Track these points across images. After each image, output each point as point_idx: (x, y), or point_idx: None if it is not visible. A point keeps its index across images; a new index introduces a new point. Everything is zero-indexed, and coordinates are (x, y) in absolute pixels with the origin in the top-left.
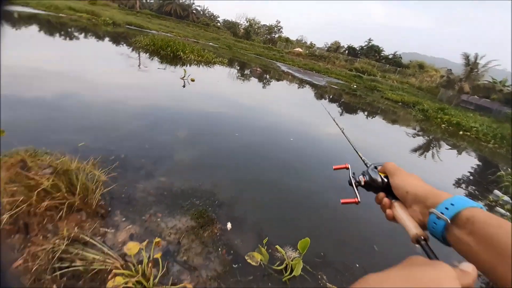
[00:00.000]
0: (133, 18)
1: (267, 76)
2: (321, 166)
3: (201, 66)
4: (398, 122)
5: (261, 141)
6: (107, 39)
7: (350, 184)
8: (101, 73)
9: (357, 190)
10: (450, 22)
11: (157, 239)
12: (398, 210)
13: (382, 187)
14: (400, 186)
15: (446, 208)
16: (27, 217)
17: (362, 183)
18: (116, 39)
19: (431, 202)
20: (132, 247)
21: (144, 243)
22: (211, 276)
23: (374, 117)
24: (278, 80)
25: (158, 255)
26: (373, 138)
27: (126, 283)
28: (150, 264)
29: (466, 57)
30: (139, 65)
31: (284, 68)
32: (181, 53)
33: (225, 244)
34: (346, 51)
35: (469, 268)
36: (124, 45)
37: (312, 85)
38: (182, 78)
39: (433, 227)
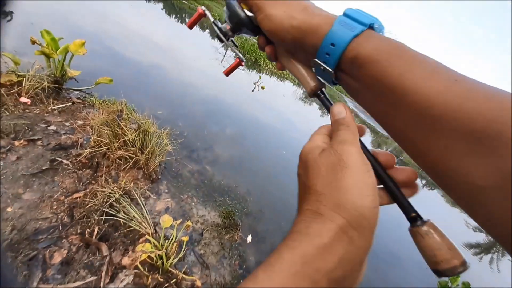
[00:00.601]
0: None
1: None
2: None
3: (274, 78)
4: None
5: None
6: (207, 31)
7: (221, 40)
8: (191, 57)
9: (233, 44)
10: None
11: (188, 222)
12: (286, 59)
13: (254, 27)
14: (268, 26)
15: (327, 54)
16: (101, 158)
17: (229, 31)
18: (214, 33)
19: (312, 43)
20: (166, 220)
21: (178, 221)
22: (219, 281)
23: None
24: None
25: (185, 238)
26: None
27: (151, 252)
28: (175, 244)
29: None
30: (222, 60)
31: (350, 104)
32: (262, 61)
33: (240, 255)
34: None
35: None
36: (216, 39)
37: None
38: (255, 83)
39: (323, 77)
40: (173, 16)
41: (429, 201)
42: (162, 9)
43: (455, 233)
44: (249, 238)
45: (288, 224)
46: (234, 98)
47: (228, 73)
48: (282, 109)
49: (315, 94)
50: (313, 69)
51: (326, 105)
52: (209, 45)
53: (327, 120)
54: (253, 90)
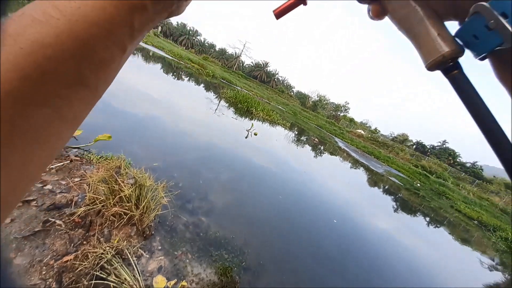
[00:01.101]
0: (228, 75)
1: (322, 148)
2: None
3: (266, 123)
4: (470, 244)
5: (302, 212)
6: (202, 85)
7: None
8: (187, 108)
9: None
10: None
11: (183, 283)
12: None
13: None
14: None
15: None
16: (95, 216)
17: None
18: (209, 87)
19: None
20: (160, 282)
21: (172, 282)
22: None
23: (438, 227)
24: (332, 154)
25: None
26: (434, 252)
27: None
28: None
29: None
30: (215, 110)
31: (341, 144)
32: (254, 109)
33: None
34: (414, 146)
35: None
36: (212, 92)
37: (368, 169)
38: (248, 130)
39: (472, 44)
40: (170, 73)
41: (437, 239)
42: (160, 68)
43: (471, 272)
44: None
45: (289, 278)
46: (228, 145)
47: (280, 13)
48: (277, 153)
49: (444, 65)
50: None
51: (461, 87)
52: (203, 96)
53: (325, 163)
54: (246, 137)
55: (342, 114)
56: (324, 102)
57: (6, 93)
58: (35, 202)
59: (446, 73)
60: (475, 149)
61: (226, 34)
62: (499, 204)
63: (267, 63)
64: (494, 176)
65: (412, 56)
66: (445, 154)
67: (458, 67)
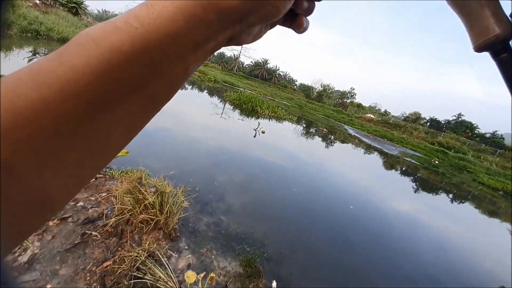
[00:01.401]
0: (229, 77)
1: (332, 137)
2: (380, 243)
3: (273, 120)
4: (499, 216)
5: (317, 201)
6: (205, 91)
7: None
8: (194, 115)
9: None
10: None
11: (212, 274)
12: None
13: None
14: None
15: None
16: (125, 225)
17: None
18: (212, 92)
19: None
20: (190, 276)
21: (202, 274)
22: None
23: (463, 202)
24: (343, 142)
25: None
26: (462, 230)
27: None
28: None
29: None
30: (221, 113)
31: (351, 131)
32: (259, 108)
33: None
34: (428, 123)
35: None
36: (216, 97)
37: (382, 153)
38: (255, 129)
39: None
40: None
41: (463, 214)
42: None
43: (503, 245)
44: (274, 284)
45: (310, 263)
46: (238, 146)
47: None
48: (287, 148)
49: (495, 47)
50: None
51: (510, 71)
52: (208, 102)
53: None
54: (254, 136)
55: (349, 101)
56: (329, 91)
57: (81, 95)
58: (71, 218)
59: (495, 55)
60: (493, 118)
61: None
62: None
63: (267, 61)
64: None
65: (409, 34)
66: (462, 127)
67: (509, 49)
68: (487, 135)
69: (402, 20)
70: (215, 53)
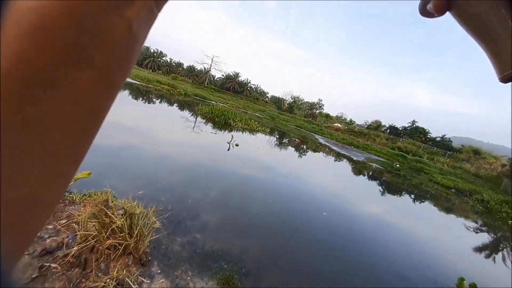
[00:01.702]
0: (200, 91)
1: (304, 147)
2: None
3: (246, 133)
4: (454, 212)
5: (293, 211)
6: (176, 105)
7: None
8: (163, 130)
9: None
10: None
11: None
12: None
13: None
14: None
15: None
16: (89, 253)
17: None
18: (183, 106)
19: None
20: None
21: None
22: None
23: (423, 201)
24: (315, 151)
25: None
26: (427, 227)
27: None
28: None
29: None
30: (193, 127)
31: (321, 140)
32: (232, 121)
33: None
34: (388, 130)
35: None
36: (187, 110)
37: (350, 160)
38: (229, 143)
39: None
40: (140, 98)
41: (425, 212)
42: (128, 95)
43: (461, 238)
44: None
45: (289, 272)
46: (211, 160)
47: None
48: (261, 159)
49: None
50: None
51: None
52: (178, 116)
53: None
54: (228, 149)
55: (317, 111)
56: (299, 103)
57: (9, 78)
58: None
59: None
60: (441, 123)
61: (192, 51)
62: (471, 170)
63: (238, 74)
64: (462, 145)
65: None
66: (417, 132)
67: None
68: (438, 139)
69: (360, 38)
70: (185, 66)
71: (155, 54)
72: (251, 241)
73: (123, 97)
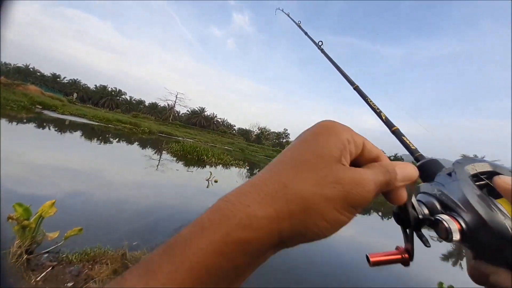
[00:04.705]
0: (165, 127)
1: None
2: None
3: (220, 167)
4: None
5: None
6: (144, 144)
7: (403, 222)
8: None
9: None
10: (441, 128)
11: None
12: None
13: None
14: None
15: None
16: None
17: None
18: (148, 144)
19: None
20: None
21: None
22: None
23: (390, 218)
24: None
25: None
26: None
27: None
28: None
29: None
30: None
31: None
32: (205, 157)
33: None
34: None
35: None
36: (155, 149)
37: None
38: (207, 180)
39: None
40: (95, 139)
41: (396, 229)
42: (81, 136)
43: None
44: None
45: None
46: (194, 200)
47: (376, 262)
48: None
49: None
50: None
51: None
52: (139, 154)
53: None
54: (207, 186)
55: (284, 140)
56: (266, 133)
57: (204, 277)
58: None
59: None
60: (390, 143)
61: (153, 88)
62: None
63: (204, 108)
64: (413, 161)
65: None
66: None
67: None
68: (391, 158)
69: (312, 75)
70: (146, 104)
71: (113, 93)
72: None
73: (75, 139)
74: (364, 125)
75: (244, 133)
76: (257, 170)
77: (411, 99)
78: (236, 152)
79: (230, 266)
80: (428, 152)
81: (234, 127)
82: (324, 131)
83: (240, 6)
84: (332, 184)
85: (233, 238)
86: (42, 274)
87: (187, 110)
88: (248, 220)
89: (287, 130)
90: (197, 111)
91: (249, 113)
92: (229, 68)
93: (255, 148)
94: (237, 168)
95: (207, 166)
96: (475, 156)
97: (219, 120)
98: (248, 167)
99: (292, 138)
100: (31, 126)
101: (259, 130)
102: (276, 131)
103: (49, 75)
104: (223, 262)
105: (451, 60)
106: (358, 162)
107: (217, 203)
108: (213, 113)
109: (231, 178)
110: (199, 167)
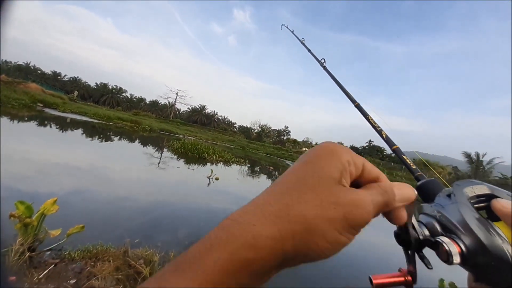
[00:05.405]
0: (165, 125)
1: (277, 173)
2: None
3: (221, 165)
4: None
5: None
6: (145, 141)
7: (404, 243)
8: (121, 170)
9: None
10: (443, 125)
11: None
12: None
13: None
14: None
15: None
16: None
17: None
18: (149, 142)
19: None
20: None
21: None
22: None
23: None
24: None
25: None
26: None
27: None
28: None
29: (468, 155)
30: (159, 163)
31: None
32: (206, 154)
33: None
34: None
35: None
36: (156, 147)
37: None
38: (208, 177)
39: None
40: (96, 137)
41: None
42: (82, 134)
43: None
44: None
45: None
46: (196, 197)
47: (380, 285)
48: (243, 191)
49: None
50: None
51: None
52: (140, 152)
53: None
54: (208, 184)
55: (285, 138)
56: (267, 131)
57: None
58: None
59: None
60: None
61: (154, 86)
62: None
63: (204, 106)
64: (413, 159)
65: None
66: (374, 151)
67: None
68: (393, 155)
69: (313, 73)
70: (147, 101)
71: (113, 91)
72: None
73: (77, 137)
74: (367, 123)
75: (245, 131)
76: (258, 167)
77: (416, 96)
78: (237, 149)
79: (234, 284)
80: (430, 149)
81: (235, 125)
82: (326, 153)
83: (241, 4)
84: (333, 206)
85: (239, 257)
86: (45, 272)
87: (188, 108)
88: (254, 240)
89: (288, 127)
90: (198, 108)
91: (250, 111)
92: (230, 66)
93: (256, 145)
94: (238, 165)
95: (208, 164)
96: (477, 153)
97: (220, 117)
98: (249, 165)
99: (292, 135)
100: (32, 124)
101: (260, 127)
102: (277, 129)
103: (49, 73)
104: (229, 281)
105: (450, 60)
106: (358, 182)
107: (224, 222)
108: (214, 111)
109: (232, 175)
110: (200, 164)
